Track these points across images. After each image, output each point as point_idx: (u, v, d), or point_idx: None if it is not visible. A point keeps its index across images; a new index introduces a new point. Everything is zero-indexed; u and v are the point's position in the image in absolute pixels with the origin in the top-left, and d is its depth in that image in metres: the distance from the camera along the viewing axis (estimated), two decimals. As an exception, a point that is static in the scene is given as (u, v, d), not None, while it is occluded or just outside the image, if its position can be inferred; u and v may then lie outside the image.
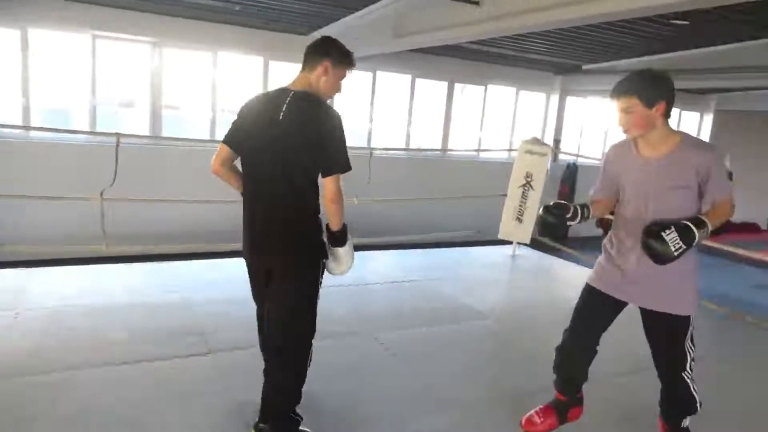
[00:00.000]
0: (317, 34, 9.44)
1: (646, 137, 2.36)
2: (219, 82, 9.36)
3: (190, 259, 5.19)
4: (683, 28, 8.16)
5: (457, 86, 11.69)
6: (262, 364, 2.52)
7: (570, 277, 5.52)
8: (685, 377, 2.42)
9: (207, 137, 9.16)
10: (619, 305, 2.51)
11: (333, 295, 4.30)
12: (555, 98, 12.47)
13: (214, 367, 3.21)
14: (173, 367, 3.18)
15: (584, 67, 11.58)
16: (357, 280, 4.76)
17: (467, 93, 11.96)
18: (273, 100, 2.34)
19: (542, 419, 2.67)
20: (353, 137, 11.13)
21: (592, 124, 13.47)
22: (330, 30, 8.85)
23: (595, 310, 2.56)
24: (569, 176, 12.27)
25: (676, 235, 2.18)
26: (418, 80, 11.13)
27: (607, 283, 2.50)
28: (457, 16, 6.78)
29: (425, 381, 3.24)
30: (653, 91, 2.27)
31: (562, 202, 2.53)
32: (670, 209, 2.31)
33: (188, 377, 3.09)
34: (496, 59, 11.25)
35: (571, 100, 12.75)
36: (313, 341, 2.51)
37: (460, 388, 3.19)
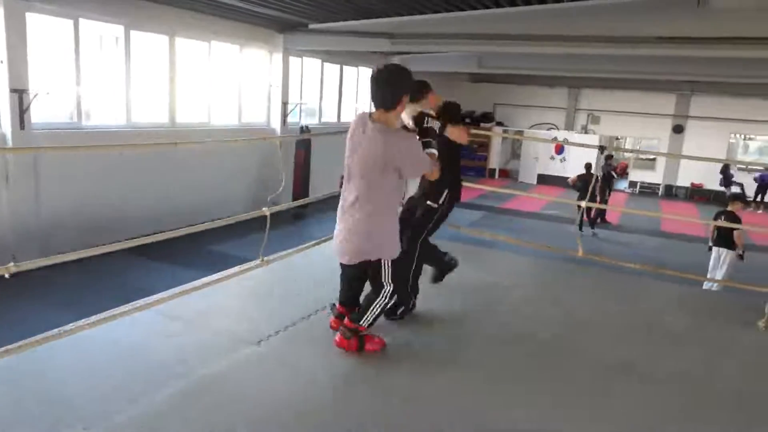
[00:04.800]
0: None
1: None
2: None
3: None
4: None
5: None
6: None
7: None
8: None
9: None
10: None
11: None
12: (278, 57, 11.77)
13: None
14: None
15: (310, 26, 11.20)
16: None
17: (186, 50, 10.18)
18: None
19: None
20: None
21: (317, 84, 13.40)
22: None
23: None
24: (303, 141, 11.95)
25: None
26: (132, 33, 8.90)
27: None
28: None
29: None
30: None
31: None
32: None
33: None
34: (220, 11, 9.87)
35: (294, 61, 12.28)
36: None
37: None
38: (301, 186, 12.08)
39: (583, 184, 12.73)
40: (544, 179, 19.62)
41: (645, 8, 6.96)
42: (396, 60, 16.23)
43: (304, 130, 11.99)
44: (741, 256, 7.84)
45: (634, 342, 3.52)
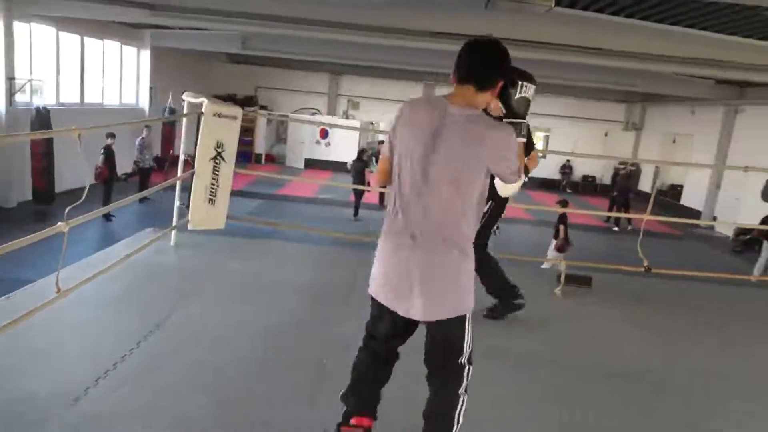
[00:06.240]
0: None
1: None
2: None
3: None
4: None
5: None
6: None
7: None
8: None
9: None
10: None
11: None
12: (-1, 23, 9.43)
13: None
14: None
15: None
16: None
17: None
18: None
19: None
20: None
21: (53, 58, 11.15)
22: None
23: None
24: (41, 123, 9.82)
25: None
26: None
27: None
28: None
29: None
30: None
31: None
32: None
33: None
34: None
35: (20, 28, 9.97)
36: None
37: None
38: (43, 178, 10.04)
39: (361, 166, 13.24)
40: (311, 163, 19.91)
41: (432, 4, 7.41)
42: (149, 35, 14.56)
43: (41, 111, 9.89)
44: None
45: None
